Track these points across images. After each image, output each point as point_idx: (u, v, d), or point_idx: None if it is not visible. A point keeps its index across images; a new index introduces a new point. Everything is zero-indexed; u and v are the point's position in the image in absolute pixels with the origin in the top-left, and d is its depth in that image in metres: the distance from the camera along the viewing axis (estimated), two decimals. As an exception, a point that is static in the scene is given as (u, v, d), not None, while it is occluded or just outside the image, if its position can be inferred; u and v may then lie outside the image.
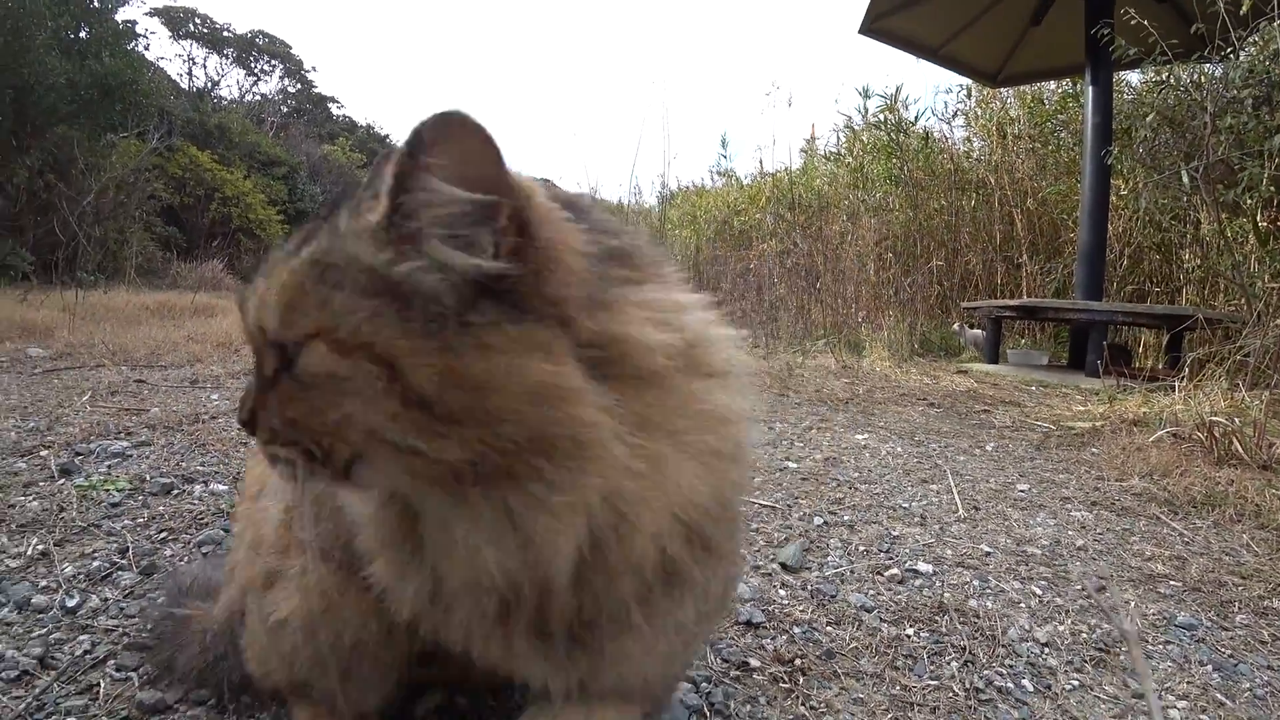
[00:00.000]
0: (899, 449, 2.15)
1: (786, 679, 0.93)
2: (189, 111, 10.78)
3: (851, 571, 1.25)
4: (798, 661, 0.96)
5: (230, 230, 9.24)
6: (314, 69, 19.65)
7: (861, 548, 1.35)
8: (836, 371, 3.65)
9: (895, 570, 1.26)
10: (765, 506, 1.55)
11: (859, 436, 2.28)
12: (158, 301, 4.63)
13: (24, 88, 6.17)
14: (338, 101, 20.82)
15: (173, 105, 9.83)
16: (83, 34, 7.09)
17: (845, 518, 1.51)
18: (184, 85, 15.17)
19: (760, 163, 9.75)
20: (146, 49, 8.42)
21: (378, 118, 33.09)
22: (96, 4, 7.23)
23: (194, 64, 17.47)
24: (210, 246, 8.80)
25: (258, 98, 18.21)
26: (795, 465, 1.89)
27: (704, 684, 0.90)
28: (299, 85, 19.48)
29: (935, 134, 6.59)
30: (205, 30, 17.07)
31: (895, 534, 1.43)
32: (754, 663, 0.95)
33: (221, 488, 1.38)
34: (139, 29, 7.63)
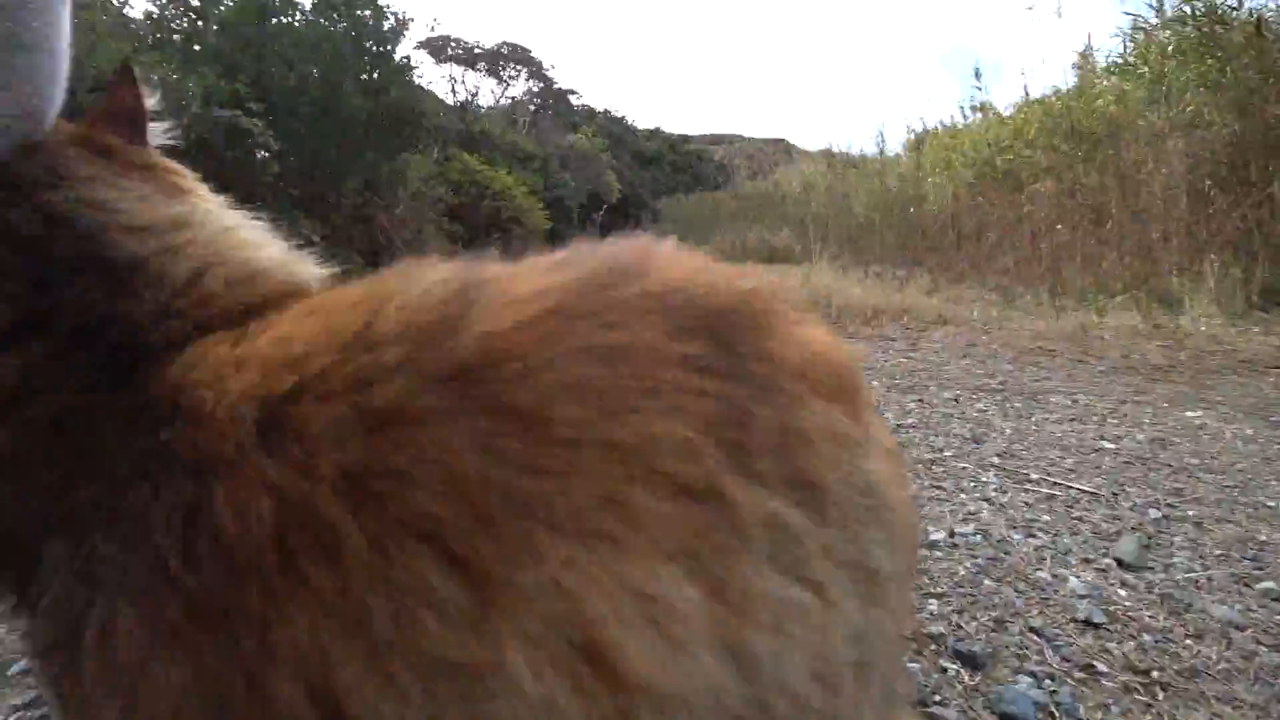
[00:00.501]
0: (1249, 431, 1.83)
1: (1141, 690, 0.88)
2: (457, 124, 12.33)
3: (1208, 578, 1.12)
4: (1154, 674, 0.90)
5: (501, 221, 10.53)
6: (553, 66, 21.25)
7: (1216, 551, 1.20)
8: (1145, 332, 3.16)
9: (1270, 584, 1.10)
10: (1086, 492, 1.44)
11: (1191, 413, 1.98)
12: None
13: (343, 126, 7.56)
14: (576, 93, 22.27)
15: (444, 120, 11.31)
16: (375, 75, 8.46)
17: (1189, 512, 1.35)
18: (449, 101, 17.28)
19: (1025, 89, 8.61)
20: (420, 78, 9.79)
21: (613, 103, 34.85)
22: (379, 48, 8.55)
23: (455, 82, 19.85)
24: (488, 237, 10.13)
25: (509, 101, 20.16)
26: (1112, 445, 1.71)
27: (1045, 680, 0.89)
28: (541, 84, 21.20)
29: (1270, 18, 5.25)
30: (460, 51, 19.25)
31: (1261, 538, 1.25)
32: (1101, 667, 0.91)
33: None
34: (412, 62, 8.89)
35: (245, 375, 0.35)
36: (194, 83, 5.66)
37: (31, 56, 0.37)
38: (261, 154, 5.83)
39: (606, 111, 22.21)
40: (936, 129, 8.37)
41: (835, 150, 9.94)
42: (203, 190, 0.52)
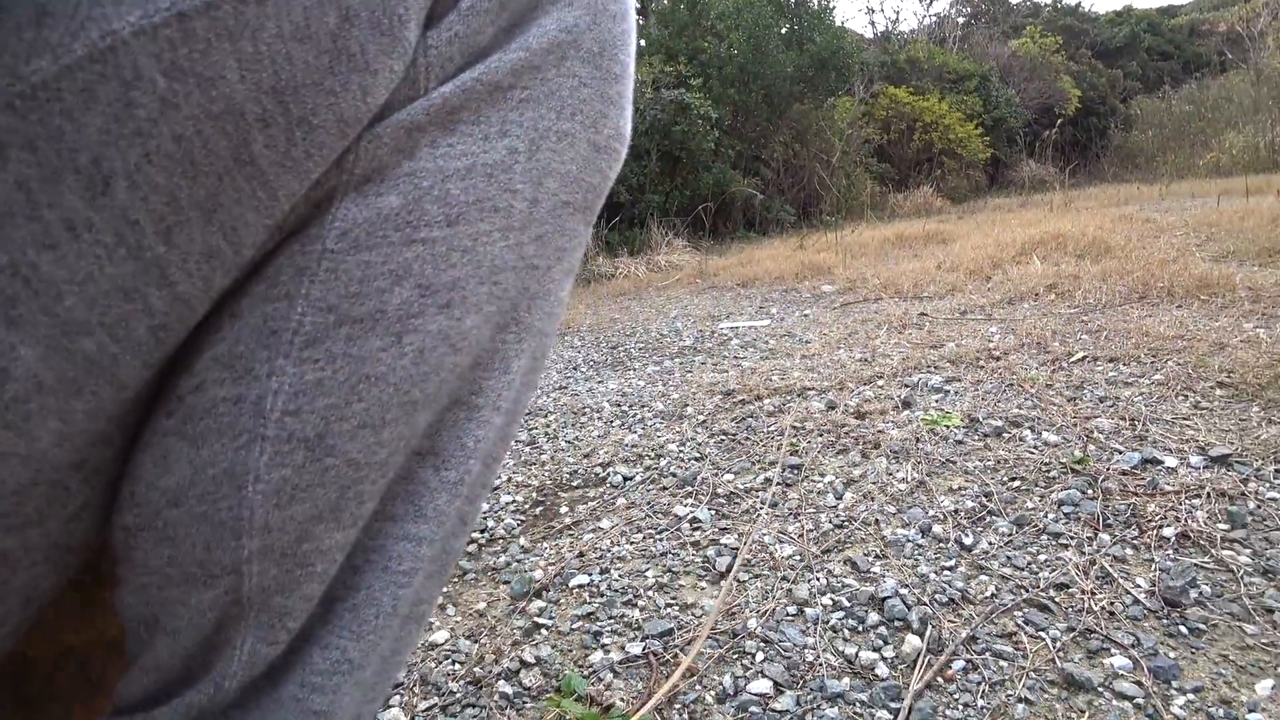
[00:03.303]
0: None
1: None
2: (880, 56, 11.66)
3: None
4: None
5: (933, 155, 9.71)
6: (984, -35, 18.53)
7: None
8: None
9: None
10: None
11: None
12: (894, 233, 5.19)
13: (769, 84, 7.80)
14: (1015, -11, 19.15)
15: (868, 56, 10.79)
16: (796, 27, 8.49)
17: None
18: (869, 35, 16.46)
19: None
20: (839, 18, 9.51)
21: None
22: (797, -1, 8.49)
23: (873, 12, 18.78)
24: (917, 175, 9.46)
25: (934, 19, 18.33)
26: None
27: None
28: (972, -12, 18.72)
29: None
30: (880, -26, 18.04)
31: None
32: None
33: (1053, 438, 1.36)
34: (830, 4, 8.63)
35: None
36: (644, 73, 6.47)
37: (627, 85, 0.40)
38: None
39: (1055, 2, 18.60)
40: None
41: None
42: None
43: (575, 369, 2.41)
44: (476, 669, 0.90)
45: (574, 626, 0.95)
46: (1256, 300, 2.15)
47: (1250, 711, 0.70)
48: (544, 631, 0.95)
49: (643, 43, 8.29)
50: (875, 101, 9.89)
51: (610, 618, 0.96)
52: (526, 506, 1.33)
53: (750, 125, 8.16)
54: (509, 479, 1.46)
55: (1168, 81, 15.63)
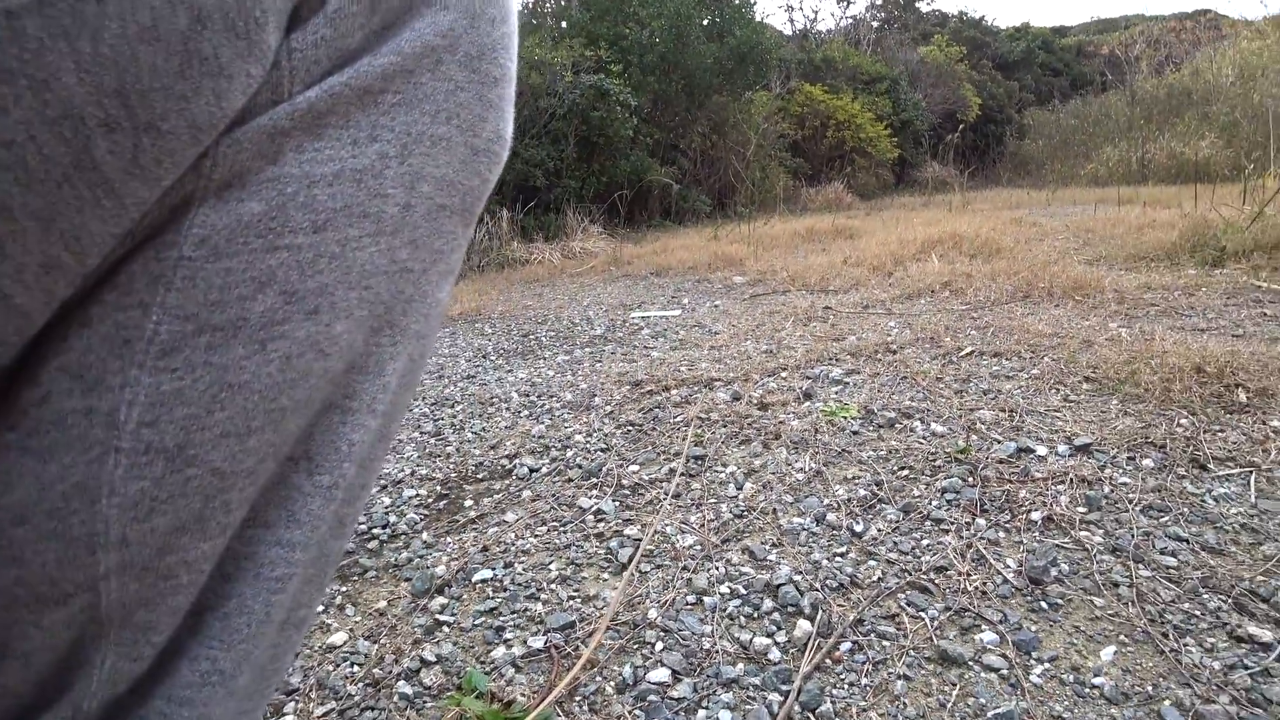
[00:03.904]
0: None
1: None
2: (798, 54, 11.98)
3: None
4: None
5: (845, 152, 10.07)
6: (898, -28, 19.31)
7: None
8: None
9: None
10: None
11: None
12: (805, 227, 5.35)
13: (689, 74, 7.87)
14: (924, -1, 20.08)
15: (786, 53, 11.07)
16: (717, 19, 8.61)
17: None
18: (788, 32, 16.84)
19: None
20: (759, 14, 9.73)
21: (970, 1, 30.81)
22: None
23: (792, 10, 19.22)
24: (829, 170, 9.80)
25: (850, 21, 18.95)
26: None
27: None
28: (885, -5, 19.46)
29: None
30: (800, -27, 18.46)
31: None
32: None
33: (941, 428, 1.45)
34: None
35: None
36: (563, 56, 6.37)
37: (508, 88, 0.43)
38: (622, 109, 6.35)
39: (962, 14, 19.67)
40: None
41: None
42: None
43: (485, 357, 2.37)
44: (376, 670, 0.87)
45: (476, 622, 0.94)
46: (1121, 301, 2.35)
47: (1095, 676, 0.77)
48: (446, 629, 0.94)
49: (564, 25, 8.15)
50: (791, 98, 10.15)
51: (513, 612, 0.96)
52: (430, 500, 1.30)
53: (669, 114, 8.20)
54: (412, 472, 1.43)
55: (1057, 96, 16.86)
